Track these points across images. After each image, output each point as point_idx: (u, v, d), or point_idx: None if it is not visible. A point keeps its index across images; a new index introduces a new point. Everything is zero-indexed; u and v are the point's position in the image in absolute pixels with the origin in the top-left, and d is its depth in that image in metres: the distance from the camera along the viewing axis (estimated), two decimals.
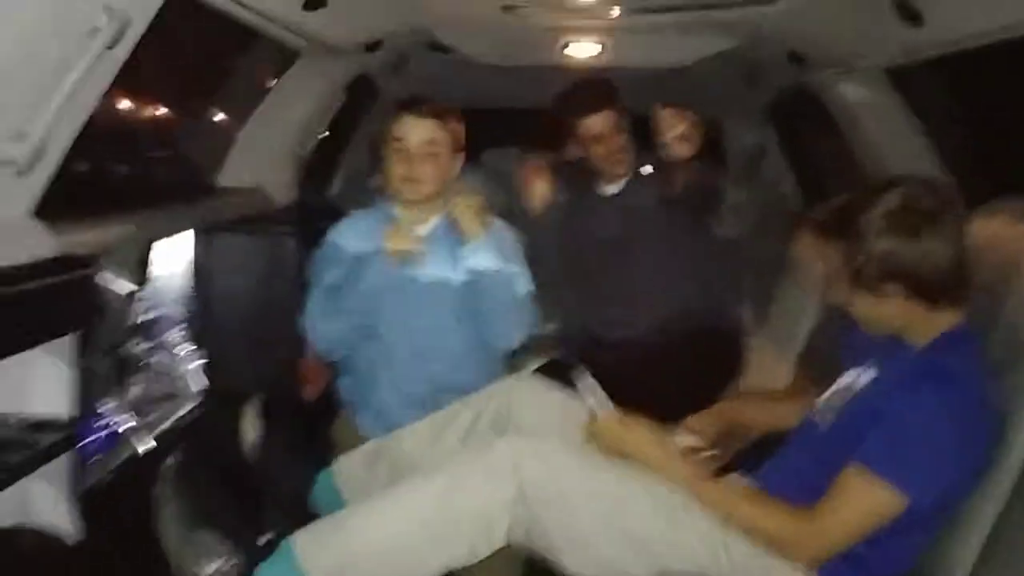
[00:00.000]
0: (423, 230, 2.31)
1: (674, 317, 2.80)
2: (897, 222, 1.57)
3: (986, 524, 1.59)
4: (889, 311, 1.64)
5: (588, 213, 3.00)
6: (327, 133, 3.29)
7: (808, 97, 3.06)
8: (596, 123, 2.81)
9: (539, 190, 2.93)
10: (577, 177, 3.05)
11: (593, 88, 2.84)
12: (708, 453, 1.94)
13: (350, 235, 2.33)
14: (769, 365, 2.63)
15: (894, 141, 2.79)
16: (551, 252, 2.99)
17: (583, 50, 3.00)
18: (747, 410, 2.08)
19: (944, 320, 1.64)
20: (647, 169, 2.95)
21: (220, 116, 2.93)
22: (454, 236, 2.27)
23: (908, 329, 1.67)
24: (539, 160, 3.03)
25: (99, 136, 1.74)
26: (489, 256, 2.22)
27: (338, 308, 2.27)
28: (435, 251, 2.29)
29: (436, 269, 2.29)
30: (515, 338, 2.29)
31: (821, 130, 3.26)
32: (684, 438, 1.95)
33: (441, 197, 2.29)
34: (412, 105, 2.28)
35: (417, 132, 2.24)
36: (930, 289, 1.60)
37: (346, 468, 2.12)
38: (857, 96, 2.80)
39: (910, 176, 1.68)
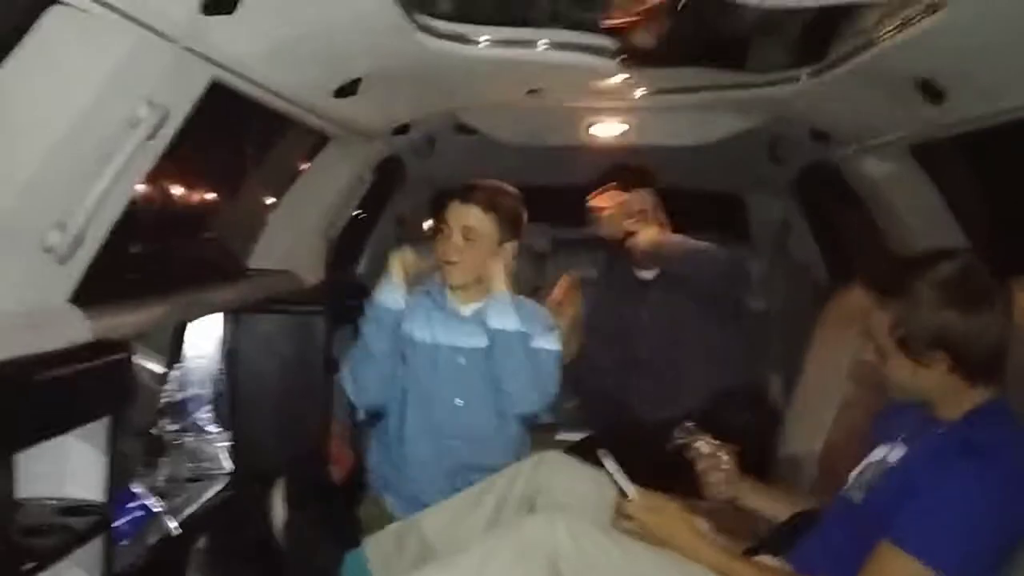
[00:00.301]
0: (467, 311, 2.35)
1: (713, 394, 2.86)
2: (956, 293, 1.58)
3: None
4: (925, 381, 1.64)
5: (625, 296, 3.07)
6: (358, 213, 3.34)
7: (832, 172, 3.08)
8: (639, 200, 2.93)
9: (571, 311, 2.96)
10: (614, 257, 3.13)
11: (636, 169, 2.99)
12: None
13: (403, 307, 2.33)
14: (806, 436, 2.60)
15: (917, 214, 2.81)
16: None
17: (608, 130, 3.05)
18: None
19: (978, 395, 1.63)
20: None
21: (253, 199, 2.99)
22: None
23: (940, 401, 1.67)
24: (573, 277, 3.06)
25: (135, 221, 1.78)
26: (509, 316, 2.23)
27: (371, 353, 2.30)
28: (470, 329, 2.31)
29: (464, 342, 2.31)
30: (534, 402, 2.28)
31: (845, 204, 3.28)
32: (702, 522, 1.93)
33: (484, 283, 2.31)
34: (460, 191, 2.32)
35: (458, 218, 2.28)
36: (975, 365, 1.60)
37: (376, 548, 2.11)
38: (880, 171, 2.82)
39: (961, 249, 1.69)
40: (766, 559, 1.81)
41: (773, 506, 1.98)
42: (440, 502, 2.15)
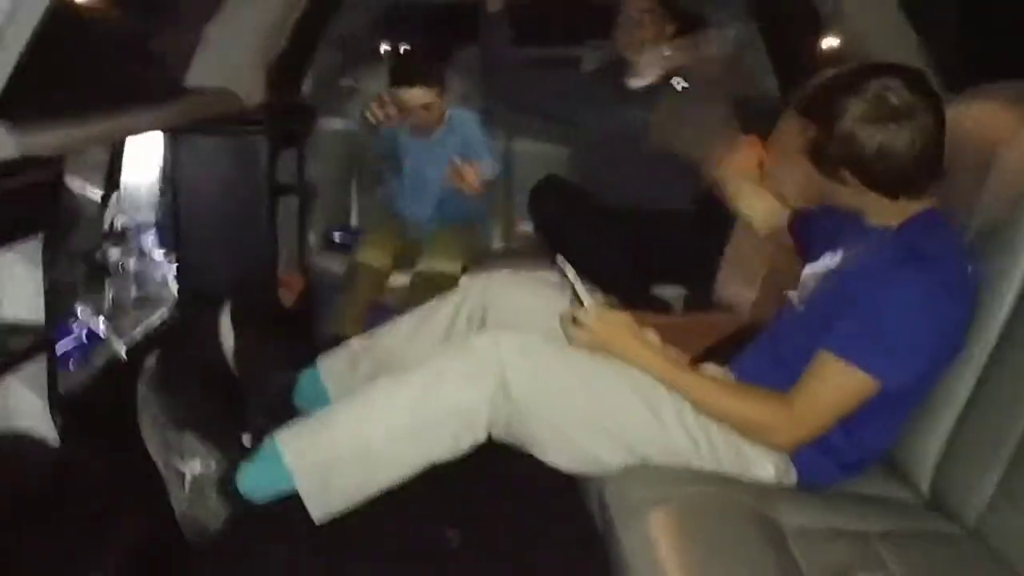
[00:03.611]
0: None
1: (682, 191, 2.97)
2: (868, 111, 1.55)
3: (957, 405, 1.62)
4: (846, 197, 1.65)
5: (614, 103, 3.09)
6: (296, 32, 3.20)
7: None
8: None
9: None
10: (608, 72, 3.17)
11: None
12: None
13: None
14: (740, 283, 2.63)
15: (880, 34, 2.74)
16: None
17: None
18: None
19: (911, 207, 1.64)
20: (681, 83, 3.04)
21: (187, 14, 2.83)
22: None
23: (869, 213, 1.68)
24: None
25: (62, 34, 1.67)
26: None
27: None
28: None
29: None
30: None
31: (805, 25, 3.20)
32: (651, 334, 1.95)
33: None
34: (399, 76, 2.98)
35: (412, 101, 2.97)
36: (888, 182, 1.60)
37: (330, 367, 2.12)
38: None
39: (895, 65, 1.65)
40: (711, 368, 1.85)
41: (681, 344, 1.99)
42: (391, 321, 2.16)
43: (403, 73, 3.01)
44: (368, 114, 3.02)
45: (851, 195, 1.65)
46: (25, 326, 1.71)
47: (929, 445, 1.65)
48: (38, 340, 1.70)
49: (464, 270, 3.00)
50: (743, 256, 2.51)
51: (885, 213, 1.65)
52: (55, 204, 1.74)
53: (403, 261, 3.11)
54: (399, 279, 3.08)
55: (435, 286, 2.79)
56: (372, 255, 3.07)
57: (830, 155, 1.60)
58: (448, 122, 3.12)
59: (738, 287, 2.48)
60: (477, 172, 2.95)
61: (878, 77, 1.57)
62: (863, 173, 1.59)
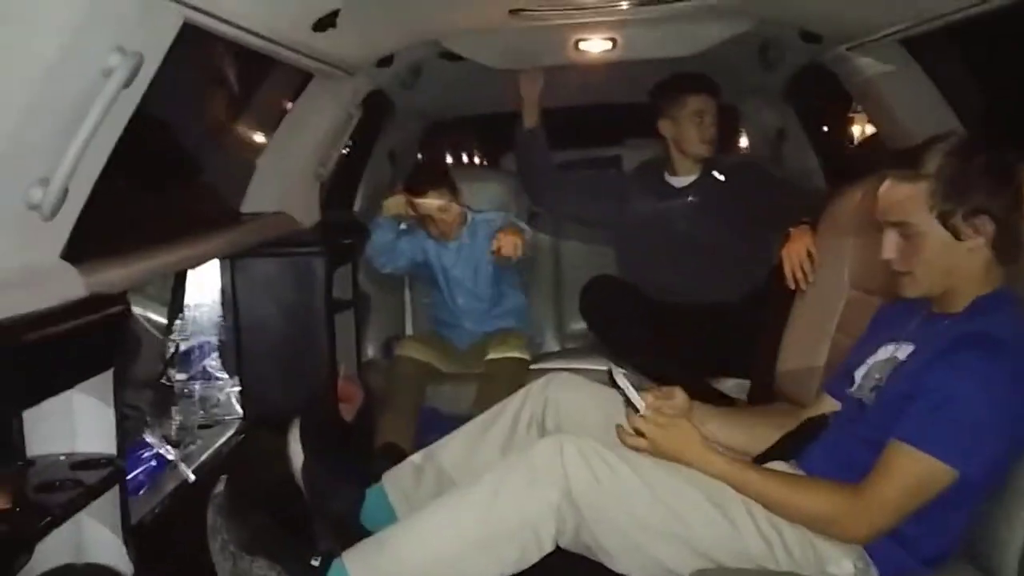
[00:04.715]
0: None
1: (732, 285, 3.03)
2: (994, 165, 1.60)
3: None
4: (960, 259, 1.64)
5: (657, 202, 3.18)
6: (347, 151, 3.32)
7: (825, 74, 3.03)
8: (699, 102, 3.07)
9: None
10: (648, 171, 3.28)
11: (695, 75, 3.13)
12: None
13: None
14: (806, 350, 2.59)
15: (914, 110, 2.76)
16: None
17: (595, 46, 2.99)
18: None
19: (989, 282, 1.64)
20: (720, 176, 3.14)
21: (240, 143, 2.95)
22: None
23: (954, 290, 1.67)
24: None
25: (122, 173, 1.75)
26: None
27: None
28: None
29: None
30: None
31: (840, 106, 3.24)
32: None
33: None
34: (416, 184, 3.10)
35: (430, 206, 3.09)
36: (1012, 235, 1.62)
37: (394, 483, 2.12)
38: (874, 69, 2.77)
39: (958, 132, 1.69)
40: (777, 465, 1.82)
41: (745, 437, 1.98)
42: (453, 432, 2.17)
43: (415, 182, 3.12)
44: (385, 203, 3.14)
45: (968, 256, 1.64)
46: (98, 459, 1.75)
47: (1009, 533, 1.60)
48: (112, 472, 1.74)
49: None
50: (803, 346, 2.49)
51: (969, 288, 1.65)
52: (124, 337, 1.80)
53: (452, 364, 3.15)
54: (449, 387, 3.10)
55: (509, 372, 2.87)
56: (413, 348, 3.13)
57: (964, 207, 1.61)
58: (470, 224, 3.20)
59: (799, 377, 2.46)
60: (516, 235, 2.96)
61: (980, 140, 1.66)
62: (996, 217, 1.60)
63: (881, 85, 2.81)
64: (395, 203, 3.13)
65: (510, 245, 2.90)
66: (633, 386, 1.82)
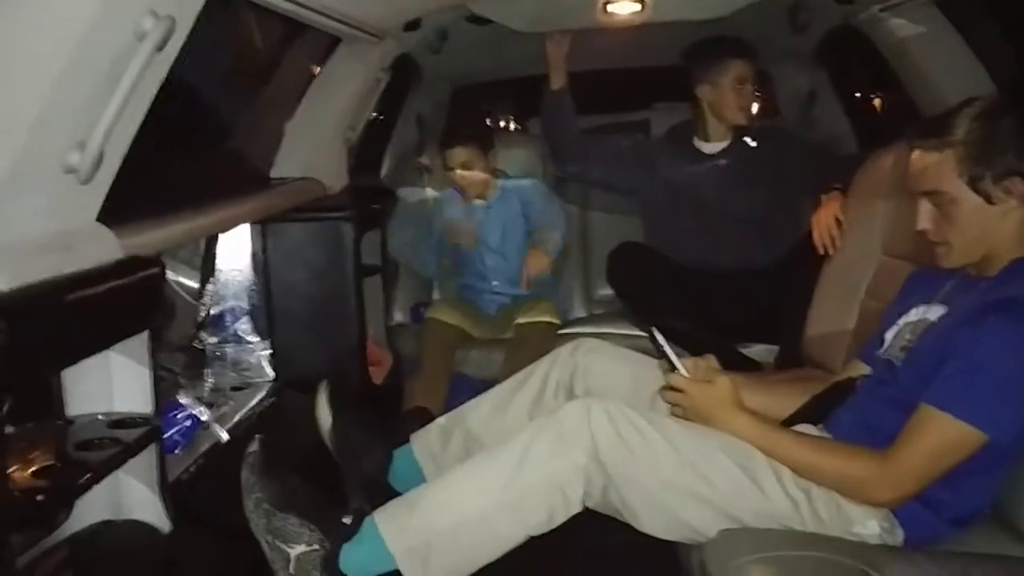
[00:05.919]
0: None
1: (761, 251, 3.04)
2: (1022, 126, 1.60)
3: None
4: (994, 221, 1.64)
5: (686, 167, 3.16)
6: (374, 116, 3.33)
7: (856, 36, 3.00)
8: (741, 67, 3.05)
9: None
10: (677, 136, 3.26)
11: (736, 39, 3.09)
12: None
13: None
14: (836, 314, 2.59)
15: (948, 71, 2.72)
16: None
17: (624, 8, 2.96)
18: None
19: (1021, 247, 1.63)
20: (751, 142, 3.12)
21: (269, 108, 2.96)
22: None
23: (990, 255, 1.66)
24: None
25: (154, 138, 1.77)
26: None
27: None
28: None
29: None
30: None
31: (872, 69, 3.20)
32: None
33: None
34: (449, 138, 3.22)
35: (455, 160, 3.20)
36: None
37: (422, 444, 2.15)
38: (906, 30, 2.73)
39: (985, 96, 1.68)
40: (806, 428, 1.82)
41: (773, 402, 1.99)
42: (481, 394, 2.19)
43: (446, 136, 3.25)
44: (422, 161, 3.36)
45: (1001, 220, 1.64)
46: (135, 418, 1.79)
47: None
48: (148, 431, 1.78)
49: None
50: (831, 311, 2.48)
51: (1005, 250, 1.64)
52: (159, 299, 1.83)
53: (481, 329, 3.18)
54: (478, 352, 3.12)
55: (538, 336, 2.91)
56: (443, 311, 3.16)
57: (993, 170, 1.61)
58: (499, 188, 3.28)
59: (827, 342, 2.45)
60: (540, 254, 3.08)
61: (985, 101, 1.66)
62: None
63: (914, 47, 2.77)
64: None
65: (535, 269, 3.07)
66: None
